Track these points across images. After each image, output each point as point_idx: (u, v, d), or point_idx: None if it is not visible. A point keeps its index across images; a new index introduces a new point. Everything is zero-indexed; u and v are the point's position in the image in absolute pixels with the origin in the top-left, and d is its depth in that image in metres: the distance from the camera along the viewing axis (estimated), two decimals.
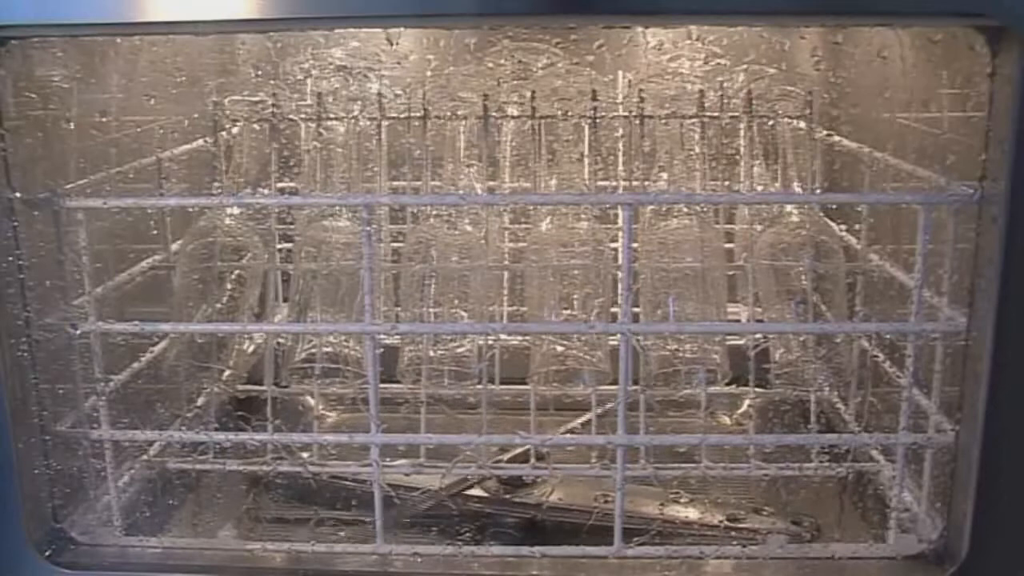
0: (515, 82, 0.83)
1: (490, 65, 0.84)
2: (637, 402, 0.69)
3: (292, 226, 0.80)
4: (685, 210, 0.73)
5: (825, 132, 0.80)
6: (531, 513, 0.74)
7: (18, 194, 0.59)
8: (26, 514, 0.62)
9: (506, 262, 0.84)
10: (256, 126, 0.78)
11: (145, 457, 0.73)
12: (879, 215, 0.74)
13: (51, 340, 0.62)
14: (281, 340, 0.76)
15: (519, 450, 0.76)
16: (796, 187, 0.77)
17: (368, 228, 0.58)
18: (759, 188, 0.81)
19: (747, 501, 0.77)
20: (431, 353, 0.71)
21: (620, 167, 0.88)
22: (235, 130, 0.78)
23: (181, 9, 0.53)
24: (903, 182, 0.69)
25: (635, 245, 0.70)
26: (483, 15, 0.55)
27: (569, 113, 0.77)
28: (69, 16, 0.54)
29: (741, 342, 0.75)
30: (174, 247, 0.76)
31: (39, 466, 0.63)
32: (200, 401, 0.79)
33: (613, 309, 0.73)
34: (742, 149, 0.85)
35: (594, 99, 0.75)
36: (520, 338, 0.79)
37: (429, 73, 0.85)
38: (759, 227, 0.75)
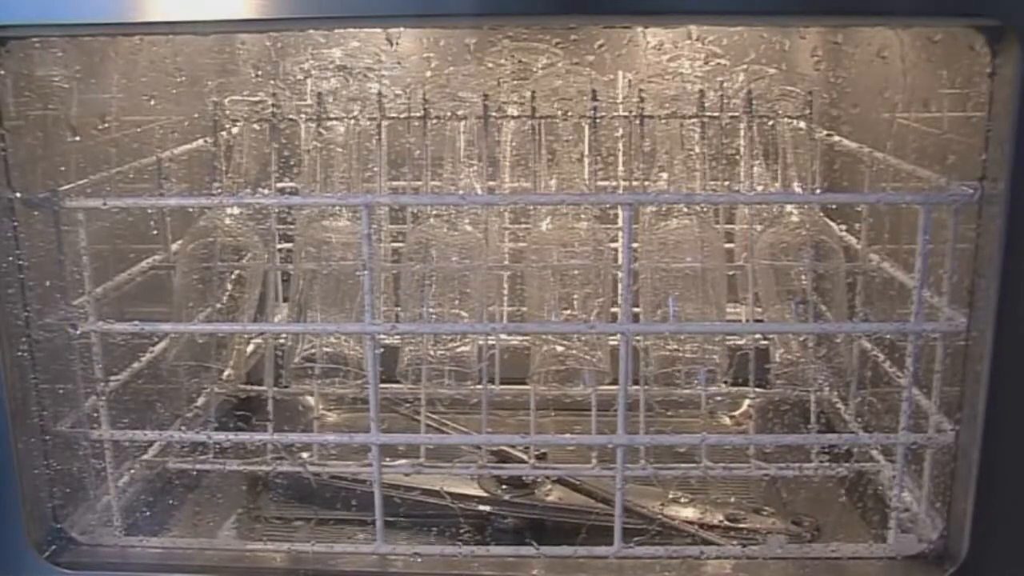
0: (515, 82, 0.83)
1: (490, 65, 0.84)
2: (637, 402, 0.69)
3: (292, 226, 0.80)
4: (685, 210, 0.73)
5: (825, 132, 0.80)
6: (531, 513, 0.74)
7: (18, 194, 0.59)
8: (26, 514, 0.62)
9: (506, 262, 0.84)
10: (256, 126, 0.78)
11: (145, 457, 0.73)
12: (879, 215, 0.74)
13: (51, 340, 0.62)
14: (281, 340, 0.76)
15: (519, 450, 0.76)
16: (796, 187, 0.77)
17: (368, 228, 0.58)
18: (759, 188, 0.81)
19: (747, 501, 0.77)
20: (431, 353, 0.71)
21: (620, 167, 0.88)
22: (235, 130, 0.78)
23: (181, 9, 0.53)
24: (903, 182, 0.69)
25: (635, 245, 0.70)
26: (483, 15, 0.55)
27: (569, 113, 0.77)
28: (69, 16, 0.54)
29: (741, 342, 0.75)
30: (174, 247, 0.76)
31: (39, 466, 0.63)
32: (200, 401, 0.79)
33: (613, 309, 0.73)
34: (742, 149, 0.84)
35: (594, 99, 0.75)
36: (520, 338, 0.79)
37: (429, 73, 0.85)
38: (759, 227, 0.75)
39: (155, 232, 0.77)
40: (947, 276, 0.59)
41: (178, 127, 0.83)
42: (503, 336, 0.78)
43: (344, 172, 0.78)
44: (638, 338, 0.71)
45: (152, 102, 0.80)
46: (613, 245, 0.73)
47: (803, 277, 0.71)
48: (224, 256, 0.73)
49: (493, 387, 0.73)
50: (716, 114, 0.81)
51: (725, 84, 0.82)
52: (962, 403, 0.58)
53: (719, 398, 0.88)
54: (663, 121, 0.77)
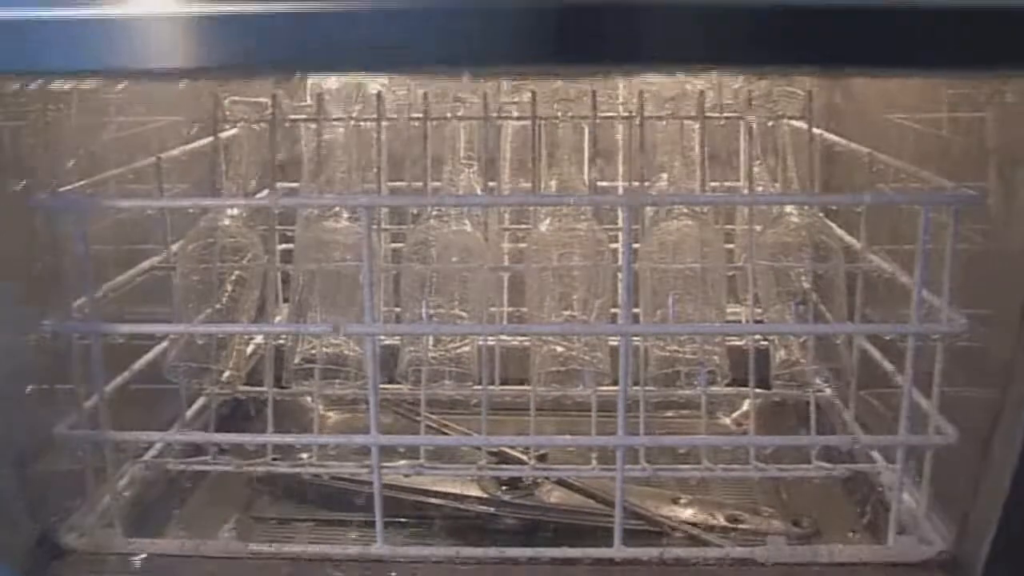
0: (515, 82, 0.83)
1: None
2: (637, 403, 0.69)
3: (292, 226, 0.80)
4: (685, 210, 0.73)
5: (825, 132, 0.80)
6: (531, 514, 0.74)
7: (19, 194, 0.59)
8: (25, 516, 0.62)
9: (506, 262, 0.84)
10: (256, 126, 0.78)
11: (145, 458, 0.73)
12: (880, 216, 0.74)
13: (52, 340, 0.62)
14: (281, 341, 0.76)
15: (519, 451, 0.76)
16: (796, 188, 0.77)
17: (368, 228, 0.58)
18: (759, 188, 0.81)
19: (747, 502, 0.77)
20: (431, 354, 0.71)
21: (620, 167, 0.88)
22: (235, 130, 0.78)
23: (134, 59, 0.51)
24: (902, 183, 0.69)
25: (635, 245, 0.70)
26: (451, 64, 0.52)
27: (569, 114, 0.77)
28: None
29: (741, 343, 0.74)
30: (174, 247, 0.76)
31: (39, 468, 0.63)
32: (200, 402, 0.79)
33: (613, 309, 0.73)
34: (742, 149, 0.85)
35: (594, 100, 0.75)
36: (520, 339, 0.79)
37: None
38: (759, 227, 0.75)
39: (155, 232, 0.76)
40: (948, 277, 0.59)
41: (178, 127, 0.83)
42: (503, 337, 0.78)
43: (344, 172, 0.78)
44: (638, 339, 0.71)
45: (152, 102, 0.80)
46: (613, 245, 0.73)
47: (803, 277, 0.71)
48: (224, 256, 0.73)
49: (493, 388, 0.73)
50: (716, 114, 0.81)
51: (725, 84, 0.82)
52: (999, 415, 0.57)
53: (719, 399, 0.88)
54: (663, 121, 0.77)
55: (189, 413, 0.77)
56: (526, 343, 0.75)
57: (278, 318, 0.84)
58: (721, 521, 0.73)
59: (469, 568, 0.62)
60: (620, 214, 0.60)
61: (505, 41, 0.47)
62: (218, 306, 0.72)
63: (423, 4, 0.47)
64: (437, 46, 0.47)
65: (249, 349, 0.82)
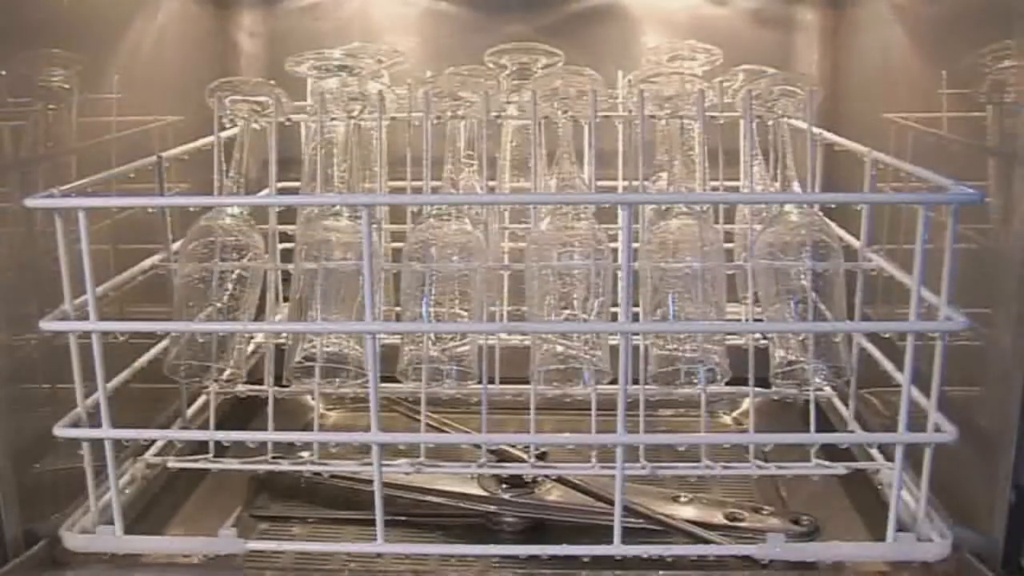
0: (515, 82, 0.83)
1: (490, 65, 0.84)
2: (637, 401, 0.69)
3: (292, 226, 0.80)
4: (685, 210, 0.73)
5: (825, 132, 0.80)
6: (531, 512, 0.74)
7: (19, 194, 0.59)
8: (25, 514, 0.62)
9: (506, 262, 0.84)
10: (256, 126, 0.78)
11: (145, 457, 0.73)
12: (880, 214, 0.74)
13: (51, 340, 0.62)
14: (281, 340, 0.76)
15: (519, 449, 0.76)
16: (796, 187, 0.77)
17: (368, 228, 0.58)
18: (759, 188, 0.81)
19: (747, 500, 0.77)
20: (431, 352, 0.71)
21: (620, 167, 0.88)
22: (235, 130, 0.78)
23: None
24: (903, 181, 0.69)
25: (635, 245, 0.70)
26: None
27: (569, 113, 0.77)
28: None
29: (741, 342, 0.75)
30: (175, 247, 0.76)
31: (38, 466, 0.64)
32: (201, 400, 0.79)
33: (613, 308, 0.73)
34: (742, 149, 0.85)
35: (594, 99, 0.75)
36: (520, 338, 0.79)
37: (429, 73, 0.85)
38: (758, 227, 0.75)
39: (155, 232, 0.77)
40: (946, 275, 0.59)
41: (178, 127, 0.84)
42: (503, 335, 0.78)
43: (344, 172, 0.78)
44: (638, 337, 0.71)
45: (152, 102, 0.80)
46: (613, 244, 0.73)
47: (802, 277, 0.71)
48: (225, 256, 0.73)
49: (493, 387, 0.73)
50: (716, 114, 0.81)
51: (725, 84, 0.82)
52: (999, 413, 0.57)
53: (719, 397, 0.88)
54: (663, 121, 0.77)
55: (190, 411, 0.77)
56: (526, 342, 0.75)
57: (278, 317, 0.84)
58: (721, 519, 0.73)
59: (469, 566, 0.62)
60: (620, 213, 0.60)
61: None
62: (219, 304, 0.72)
63: None
64: None
65: (250, 348, 0.82)
